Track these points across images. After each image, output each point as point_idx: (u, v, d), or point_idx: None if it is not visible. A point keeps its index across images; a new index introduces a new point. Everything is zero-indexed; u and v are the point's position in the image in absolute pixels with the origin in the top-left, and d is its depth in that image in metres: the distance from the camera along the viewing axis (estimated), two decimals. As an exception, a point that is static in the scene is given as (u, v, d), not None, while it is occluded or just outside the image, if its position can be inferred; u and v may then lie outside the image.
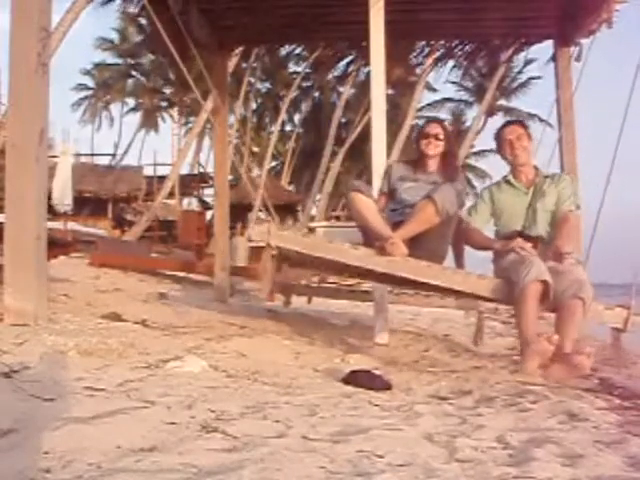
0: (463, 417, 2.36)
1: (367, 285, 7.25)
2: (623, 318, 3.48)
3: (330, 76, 24.20)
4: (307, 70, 27.28)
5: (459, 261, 3.90)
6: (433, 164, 3.91)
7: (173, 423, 1.91)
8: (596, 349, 5.07)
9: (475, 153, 33.00)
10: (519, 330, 3.23)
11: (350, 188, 3.76)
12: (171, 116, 36.96)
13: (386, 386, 2.90)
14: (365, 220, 3.61)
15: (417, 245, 3.46)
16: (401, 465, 1.70)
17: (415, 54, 6.96)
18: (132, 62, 34.37)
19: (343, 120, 28.93)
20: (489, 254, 3.76)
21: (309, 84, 31.09)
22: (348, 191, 3.77)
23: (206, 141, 33.06)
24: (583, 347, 3.08)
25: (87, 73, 37.69)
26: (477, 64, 7.50)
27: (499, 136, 3.80)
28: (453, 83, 28.93)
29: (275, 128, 28.53)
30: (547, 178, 3.74)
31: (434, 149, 3.88)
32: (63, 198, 14.01)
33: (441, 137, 3.89)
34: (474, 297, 3.83)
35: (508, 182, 3.79)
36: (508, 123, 3.93)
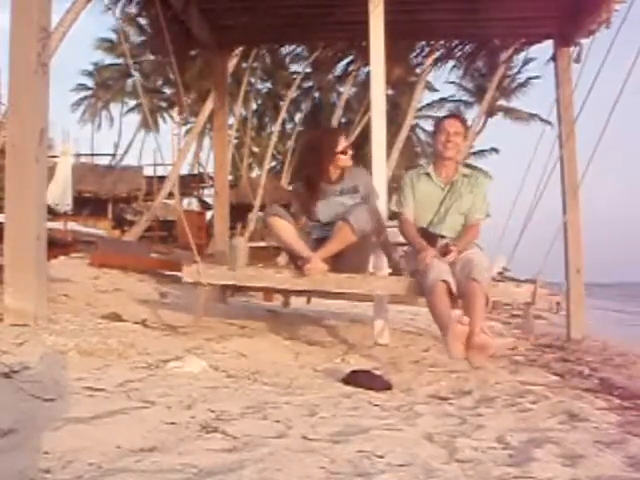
0: (463, 417, 2.36)
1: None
2: (531, 292, 3.64)
3: (330, 76, 24.20)
4: (307, 70, 27.28)
5: (391, 259, 4.10)
6: (335, 173, 4.02)
7: (173, 423, 1.91)
8: (597, 349, 5.09)
9: (475, 153, 33.00)
10: (438, 324, 3.38)
11: (269, 213, 3.96)
12: (171, 117, 36.94)
13: (386, 386, 2.90)
14: (285, 243, 3.86)
15: (340, 260, 3.76)
16: (401, 465, 1.70)
17: (415, 54, 6.96)
18: (132, 62, 34.34)
19: (343, 120, 28.92)
20: None
21: (309, 84, 31.09)
22: (267, 216, 3.97)
23: (206, 141, 33.06)
24: (484, 327, 3.18)
25: (87, 73, 37.70)
26: (477, 64, 7.49)
27: (438, 125, 3.90)
28: (453, 83, 28.96)
29: (275, 128, 28.51)
30: (465, 178, 3.82)
31: (344, 162, 3.99)
32: (63, 198, 13.99)
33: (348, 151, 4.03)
34: (396, 298, 4.21)
35: (427, 174, 3.87)
36: (451, 116, 4.04)
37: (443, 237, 3.73)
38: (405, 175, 4.06)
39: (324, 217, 3.97)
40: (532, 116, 29.92)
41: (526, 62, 24.62)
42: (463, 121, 4.00)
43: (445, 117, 4.04)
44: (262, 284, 4.08)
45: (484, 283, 3.34)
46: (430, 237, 3.73)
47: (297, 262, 3.78)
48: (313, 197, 4.00)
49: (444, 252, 3.50)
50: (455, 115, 4.15)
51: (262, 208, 21.81)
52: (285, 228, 3.80)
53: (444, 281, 3.36)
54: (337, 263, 3.76)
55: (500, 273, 4.14)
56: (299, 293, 4.58)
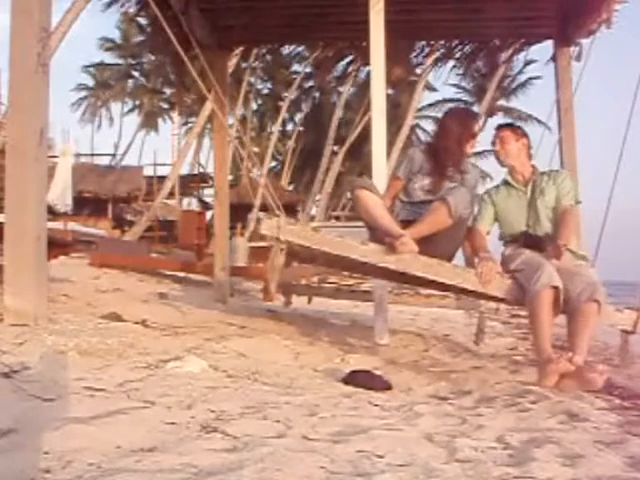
0: (463, 417, 2.36)
1: (367, 285, 7.26)
2: (632, 320, 3.47)
3: (330, 76, 24.21)
4: (307, 70, 27.29)
5: (470, 261, 3.84)
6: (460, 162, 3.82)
7: (173, 423, 1.91)
8: (597, 349, 5.08)
9: (475, 153, 33.02)
10: (536, 343, 3.20)
11: (355, 185, 3.68)
12: (171, 118, 36.96)
13: (386, 386, 2.90)
14: (373, 218, 3.55)
15: (427, 245, 3.41)
16: (401, 465, 1.70)
17: (415, 54, 6.96)
18: (132, 62, 34.38)
19: (343, 120, 28.92)
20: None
21: (309, 84, 31.10)
22: (353, 188, 3.69)
23: (206, 141, 33.06)
24: (596, 364, 3.07)
25: (87, 73, 37.71)
26: (477, 64, 7.49)
27: (492, 141, 3.81)
28: (453, 85, 29.00)
29: (275, 128, 28.52)
30: (544, 175, 3.71)
31: (473, 148, 3.87)
32: (63, 198, 14.00)
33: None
34: (483, 296, 3.82)
35: (506, 182, 3.77)
36: (496, 127, 3.94)
37: (548, 235, 3.53)
38: (483, 194, 3.90)
39: (422, 194, 3.72)
40: (531, 117, 29.94)
41: (527, 63, 24.68)
42: (509, 127, 3.89)
43: (495, 130, 3.86)
44: (344, 253, 3.58)
45: (603, 306, 3.15)
46: (534, 239, 3.54)
47: (383, 238, 3.44)
48: (438, 172, 3.74)
49: (555, 255, 3.26)
50: (499, 125, 3.98)
51: (262, 208, 21.82)
52: (374, 202, 3.54)
53: (555, 287, 3.13)
54: (424, 248, 3.39)
55: None
56: (369, 272, 4.06)
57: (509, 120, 30.37)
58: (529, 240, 3.55)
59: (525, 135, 3.75)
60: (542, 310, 3.13)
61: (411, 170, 3.83)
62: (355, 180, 3.96)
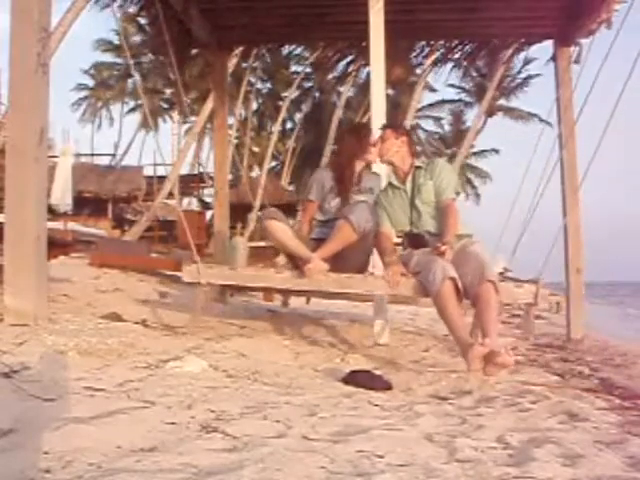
0: (463, 417, 2.36)
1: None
2: (533, 293, 3.63)
3: (330, 76, 24.19)
4: (307, 70, 27.27)
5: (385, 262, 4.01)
6: (358, 169, 4.04)
7: (173, 423, 1.91)
8: (597, 349, 5.09)
9: (475, 153, 33.00)
10: (452, 335, 3.35)
11: (264, 217, 3.93)
12: (171, 117, 36.93)
13: (386, 386, 2.90)
14: (284, 245, 3.83)
15: (339, 260, 3.71)
16: (401, 465, 1.70)
17: (415, 54, 6.96)
18: (132, 62, 34.34)
19: (343, 120, 28.90)
20: None
21: (309, 84, 31.08)
22: (263, 219, 3.95)
23: (206, 141, 33.06)
24: (503, 344, 3.18)
25: (87, 73, 37.69)
26: (477, 64, 7.49)
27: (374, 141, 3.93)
28: (453, 86, 29.00)
29: (275, 128, 28.50)
30: (421, 170, 3.77)
31: (372, 157, 4.02)
32: (63, 198, 13.99)
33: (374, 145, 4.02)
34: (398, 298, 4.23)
35: (390, 183, 3.87)
36: (380, 127, 4.00)
37: (430, 232, 3.66)
38: (376, 196, 4.01)
39: (333, 214, 3.94)
40: (532, 116, 29.93)
41: (527, 62, 24.70)
42: (391, 126, 3.98)
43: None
44: (262, 284, 4.07)
45: (497, 282, 3.28)
46: (416, 238, 3.69)
47: (297, 263, 3.76)
48: (343, 189, 3.98)
49: (439, 254, 3.40)
50: (384, 125, 4.06)
51: (262, 208, 21.84)
52: (282, 230, 3.79)
53: (451, 279, 3.28)
54: (337, 263, 3.73)
55: (501, 273, 4.12)
56: (299, 293, 4.57)
57: (509, 120, 30.39)
58: (412, 240, 3.70)
59: (406, 133, 3.88)
60: (447, 304, 3.29)
61: (323, 190, 4.08)
62: (264, 212, 4.25)
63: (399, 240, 3.89)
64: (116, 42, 33.96)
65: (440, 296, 3.30)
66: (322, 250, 3.70)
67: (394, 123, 4.31)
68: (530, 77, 28.52)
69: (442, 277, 3.28)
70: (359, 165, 4.05)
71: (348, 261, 3.77)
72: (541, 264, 3.91)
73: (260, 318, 5.29)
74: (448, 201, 3.66)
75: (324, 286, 3.80)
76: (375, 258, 4.15)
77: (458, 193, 3.81)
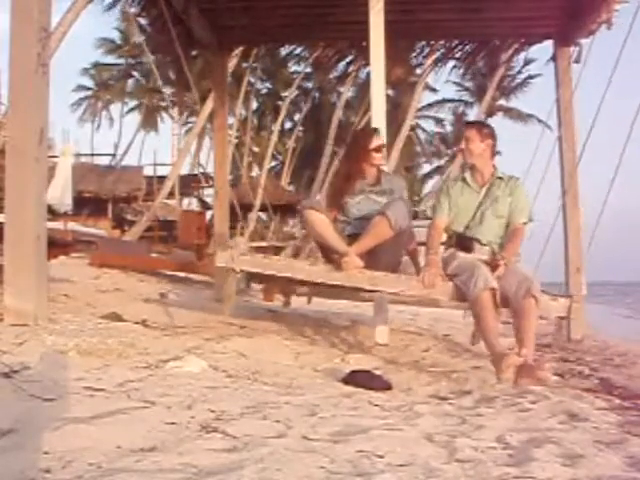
0: (463, 417, 2.36)
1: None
2: (567, 307, 3.65)
3: (330, 76, 24.20)
4: (307, 70, 27.26)
5: (416, 265, 3.99)
6: (371, 172, 4.05)
7: (173, 423, 1.91)
8: (597, 349, 5.09)
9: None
10: (486, 342, 3.33)
11: (304, 206, 3.90)
12: (171, 117, 36.93)
13: (386, 386, 2.90)
14: (321, 236, 3.77)
15: (373, 257, 3.66)
16: (401, 465, 1.70)
17: (415, 54, 6.96)
18: (132, 62, 34.36)
19: (343, 120, 28.89)
20: None
21: (309, 84, 31.09)
22: (302, 209, 3.92)
23: (206, 141, 33.04)
24: (544, 361, 3.24)
25: (87, 73, 37.69)
26: (477, 64, 7.49)
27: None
28: (454, 83, 28.97)
29: (275, 128, 28.50)
30: (501, 181, 3.75)
31: (380, 160, 4.06)
32: (63, 198, 13.98)
33: (384, 148, 4.11)
34: (429, 300, 4.10)
35: (464, 180, 3.82)
36: (467, 124, 3.97)
37: (478, 241, 3.64)
38: (442, 183, 4.03)
39: (358, 212, 3.95)
40: (531, 116, 29.93)
41: (527, 62, 24.69)
42: (474, 124, 3.94)
43: (463, 127, 3.99)
44: (296, 275, 3.86)
45: (540, 299, 3.27)
46: (466, 241, 3.65)
47: (331, 256, 3.70)
48: (347, 191, 4.01)
49: (493, 267, 3.36)
50: (468, 123, 4.06)
51: (262, 208, 21.82)
52: (321, 221, 3.72)
53: (492, 289, 3.27)
54: (370, 260, 3.66)
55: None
56: (315, 286, 4.41)
57: (508, 120, 30.38)
58: (462, 242, 3.67)
59: (491, 135, 3.78)
60: (485, 312, 3.28)
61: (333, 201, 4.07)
62: (303, 201, 4.28)
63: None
64: (118, 41, 34.00)
65: (479, 303, 3.29)
66: (357, 245, 3.64)
67: (479, 122, 4.25)
68: (530, 77, 28.54)
69: (484, 285, 3.27)
70: (369, 168, 4.04)
71: (380, 260, 3.70)
72: (535, 262, 3.92)
73: (260, 318, 5.28)
74: (520, 225, 3.67)
75: (358, 282, 3.69)
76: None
77: (531, 220, 3.75)
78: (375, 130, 4.18)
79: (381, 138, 4.12)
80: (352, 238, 3.76)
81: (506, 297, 3.31)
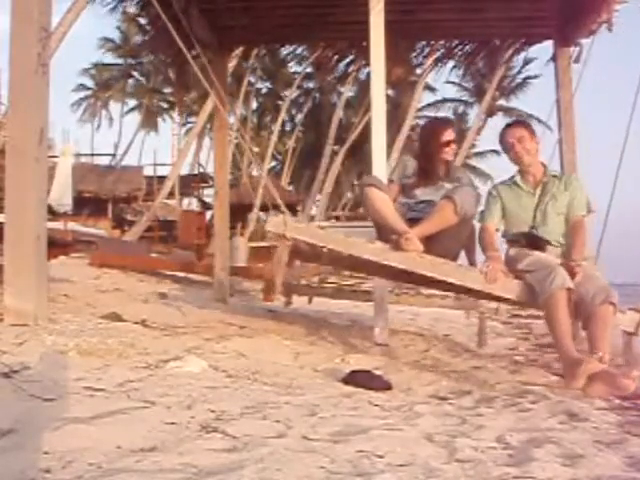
0: (463, 417, 2.36)
1: (368, 285, 7.25)
2: (636, 322, 3.41)
3: (331, 76, 24.19)
4: (308, 70, 27.28)
5: (471, 259, 3.86)
6: (441, 165, 3.93)
7: (173, 423, 1.91)
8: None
9: (475, 153, 33.02)
10: (558, 344, 3.12)
11: (364, 183, 3.72)
12: (171, 117, 36.97)
13: (386, 386, 2.90)
14: (381, 215, 3.57)
15: (432, 243, 3.44)
16: (401, 465, 1.70)
17: (415, 54, 6.96)
18: (133, 62, 34.38)
19: (343, 120, 28.91)
20: None
21: (310, 84, 31.11)
22: (362, 186, 3.73)
23: (206, 141, 33.05)
24: (630, 369, 2.97)
25: (87, 73, 37.70)
26: (477, 64, 7.48)
27: (502, 139, 3.74)
28: (453, 83, 28.97)
29: (275, 128, 28.51)
30: (555, 178, 3.67)
31: (452, 154, 3.94)
32: (63, 198, 14.00)
33: (456, 141, 3.97)
34: (487, 296, 3.75)
35: (515, 183, 3.72)
36: (509, 125, 3.86)
37: (549, 242, 3.53)
38: (492, 188, 3.87)
39: (423, 196, 3.82)
40: (531, 116, 29.92)
41: (527, 62, 24.70)
42: (522, 123, 3.86)
43: (505, 128, 3.80)
44: (351, 251, 3.58)
45: (618, 305, 3.13)
46: (537, 241, 3.52)
47: (390, 237, 3.46)
48: (419, 178, 3.88)
49: (570, 272, 3.18)
50: (514, 122, 3.95)
51: (262, 208, 21.81)
52: (382, 199, 3.56)
53: (569, 289, 3.10)
54: (430, 246, 3.43)
55: None
56: (374, 271, 4.06)
57: (508, 120, 30.36)
58: (532, 240, 3.53)
59: (536, 135, 3.71)
60: (559, 311, 3.08)
61: (404, 174, 3.95)
62: (364, 177, 4.05)
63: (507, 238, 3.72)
64: (118, 41, 34.01)
65: (554, 301, 3.10)
66: (420, 227, 3.45)
67: (523, 121, 4.15)
68: (530, 78, 28.54)
69: (561, 283, 3.09)
70: (435, 160, 3.91)
71: (441, 247, 3.49)
72: None
73: (260, 318, 5.28)
74: (580, 217, 3.57)
75: (416, 266, 3.41)
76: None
77: (591, 211, 3.66)
78: (448, 122, 4.07)
79: (452, 131, 3.98)
80: (413, 222, 3.55)
81: (580, 304, 3.12)
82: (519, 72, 27.79)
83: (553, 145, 5.65)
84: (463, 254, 3.85)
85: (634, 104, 4.35)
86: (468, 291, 3.72)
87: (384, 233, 3.59)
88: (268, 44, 7.39)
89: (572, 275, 3.16)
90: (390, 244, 3.43)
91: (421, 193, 3.85)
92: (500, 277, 3.32)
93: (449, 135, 3.93)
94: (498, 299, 3.78)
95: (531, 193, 3.66)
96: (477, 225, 3.74)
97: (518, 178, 3.72)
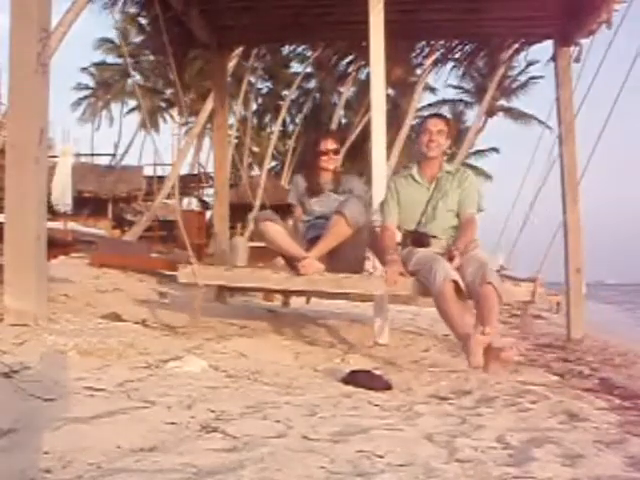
0: (463, 417, 2.36)
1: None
2: (530, 291, 3.66)
3: (331, 76, 24.20)
4: (308, 70, 27.28)
5: (382, 259, 3.97)
6: (326, 174, 4.12)
7: (173, 423, 1.91)
8: (597, 349, 5.09)
9: (475, 153, 33.01)
10: (453, 332, 3.37)
11: (259, 218, 3.96)
12: (171, 116, 36.93)
13: (386, 386, 2.90)
14: (279, 245, 3.82)
15: (334, 257, 3.72)
16: (401, 465, 1.70)
17: (415, 54, 6.95)
18: (132, 62, 34.36)
19: (343, 120, 28.90)
20: None
21: (310, 84, 31.10)
22: (257, 222, 3.99)
23: (206, 141, 33.04)
24: (506, 341, 3.18)
25: (87, 73, 37.69)
26: (477, 64, 7.49)
27: (421, 125, 3.86)
28: (454, 87, 28.97)
29: (275, 128, 28.50)
30: (449, 174, 3.77)
31: (333, 164, 4.10)
32: (63, 198, 13.99)
33: (337, 151, 4.14)
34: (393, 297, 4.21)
35: (412, 176, 3.84)
36: (434, 115, 4.01)
37: (434, 237, 3.68)
38: (389, 180, 4.02)
39: (320, 210, 4.02)
40: (531, 118, 29.90)
41: (529, 64, 24.67)
42: (446, 119, 3.96)
43: (428, 117, 3.98)
44: (258, 285, 4.06)
45: (498, 286, 3.28)
46: (421, 238, 3.69)
47: (293, 264, 3.76)
48: (308, 191, 4.11)
49: (449, 258, 3.41)
50: (438, 114, 4.13)
51: (263, 208, 21.81)
52: (275, 231, 3.80)
53: (453, 281, 3.31)
54: (333, 261, 3.72)
55: (497, 271, 4.14)
56: (299, 293, 4.56)
57: (509, 120, 30.34)
58: (416, 238, 3.70)
59: (451, 137, 3.89)
60: (447, 304, 3.32)
61: (298, 192, 4.20)
62: (259, 214, 4.39)
63: (398, 240, 3.88)
64: (118, 41, 33.97)
65: (441, 296, 3.33)
66: (317, 248, 3.71)
67: (446, 116, 4.27)
68: (531, 78, 28.52)
69: (443, 277, 3.31)
70: (315, 169, 4.12)
71: (343, 259, 3.77)
72: (539, 262, 3.92)
73: (260, 318, 5.28)
74: (470, 215, 3.71)
75: (320, 286, 3.77)
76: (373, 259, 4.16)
77: (481, 210, 3.78)
78: (327, 132, 4.22)
79: (332, 141, 4.13)
80: (315, 242, 3.80)
81: (466, 285, 3.34)
82: (521, 73, 27.80)
83: (552, 142, 5.65)
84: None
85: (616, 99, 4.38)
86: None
87: (289, 260, 3.88)
88: (268, 44, 7.39)
89: (450, 260, 3.38)
90: (292, 271, 3.74)
91: (315, 206, 4.09)
92: (399, 279, 3.57)
93: (328, 144, 4.09)
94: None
95: (425, 187, 3.79)
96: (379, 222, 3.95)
97: (415, 170, 3.85)
